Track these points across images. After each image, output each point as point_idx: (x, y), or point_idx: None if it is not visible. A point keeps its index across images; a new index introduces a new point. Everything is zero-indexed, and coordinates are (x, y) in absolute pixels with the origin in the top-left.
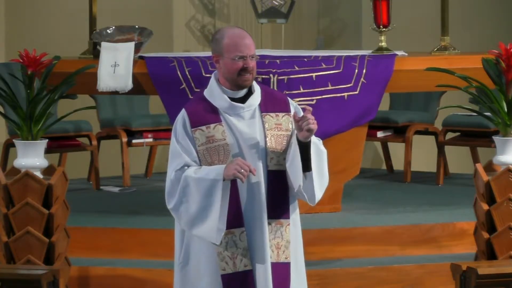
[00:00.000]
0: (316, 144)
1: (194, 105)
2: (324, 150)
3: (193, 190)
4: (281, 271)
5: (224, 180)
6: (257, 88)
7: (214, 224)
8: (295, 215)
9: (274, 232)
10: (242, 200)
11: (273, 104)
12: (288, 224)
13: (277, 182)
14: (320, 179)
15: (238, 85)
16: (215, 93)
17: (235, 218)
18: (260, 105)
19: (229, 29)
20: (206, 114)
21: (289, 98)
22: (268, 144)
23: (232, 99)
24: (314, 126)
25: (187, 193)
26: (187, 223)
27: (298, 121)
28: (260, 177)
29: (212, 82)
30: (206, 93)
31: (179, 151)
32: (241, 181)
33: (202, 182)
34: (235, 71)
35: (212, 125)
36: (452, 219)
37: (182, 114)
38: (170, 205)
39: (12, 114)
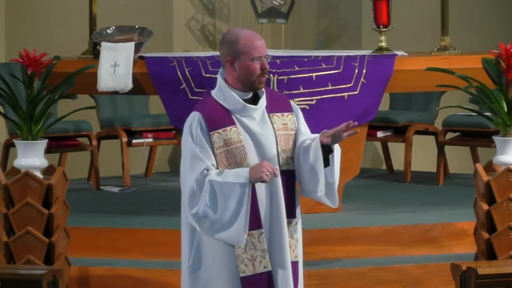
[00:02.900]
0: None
1: (207, 108)
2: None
3: (219, 194)
4: (293, 270)
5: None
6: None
7: (241, 227)
8: (299, 215)
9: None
10: (259, 201)
11: (277, 104)
12: (296, 223)
13: (288, 182)
14: (337, 180)
15: (253, 86)
16: (226, 95)
17: (254, 220)
18: (266, 105)
19: (241, 31)
20: (221, 117)
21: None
22: (278, 144)
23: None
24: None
25: (212, 198)
26: (210, 228)
27: (343, 129)
28: (277, 178)
29: (221, 83)
30: (215, 94)
31: (199, 155)
32: (265, 182)
33: (229, 186)
34: (253, 73)
35: (228, 128)
36: (452, 219)
37: (197, 118)
38: (192, 210)
39: (12, 114)
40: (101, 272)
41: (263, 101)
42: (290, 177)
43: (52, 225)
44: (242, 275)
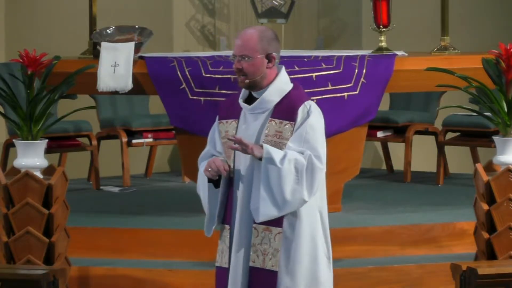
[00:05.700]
0: (281, 162)
1: (229, 99)
2: (299, 167)
3: (199, 179)
4: (266, 279)
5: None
6: (273, 90)
7: (207, 214)
8: (286, 224)
9: (261, 237)
10: (235, 200)
11: (282, 110)
12: (279, 233)
13: None
14: (271, 196)
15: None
16: (242, 91)
17: (227, 216)
18: (274, 108)
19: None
20: (232, 109)
21: (306, 104)
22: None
23: (254, 98)
24: (236, 146)
25: (199, 180)
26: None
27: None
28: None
29: None
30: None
31: (208, 139)
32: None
33: (199, 175)
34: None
35: (230, 121)
36: (452, 219)
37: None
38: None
39: (12, 114)
40: (101, 272)
41: (260, 103)
42: None
43: (52, 225)
44: (216, 264)
